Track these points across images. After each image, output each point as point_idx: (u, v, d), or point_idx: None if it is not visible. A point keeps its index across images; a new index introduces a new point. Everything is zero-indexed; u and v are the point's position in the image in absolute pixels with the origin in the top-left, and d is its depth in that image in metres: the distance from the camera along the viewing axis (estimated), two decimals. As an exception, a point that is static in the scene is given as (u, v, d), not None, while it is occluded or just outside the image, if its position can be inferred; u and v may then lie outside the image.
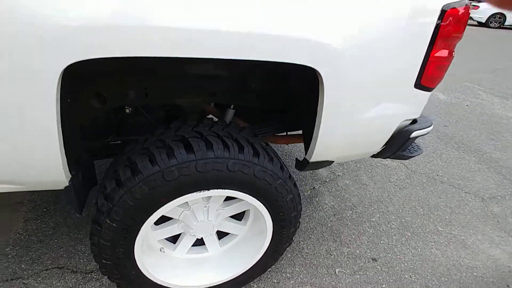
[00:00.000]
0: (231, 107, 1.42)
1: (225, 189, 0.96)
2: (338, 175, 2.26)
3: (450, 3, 1.00)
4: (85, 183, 1.03)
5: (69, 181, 0.90)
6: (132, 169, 0.88)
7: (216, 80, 1.18)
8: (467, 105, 4.04)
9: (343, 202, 1.97)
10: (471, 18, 14.83)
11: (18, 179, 0.86)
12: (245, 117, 1.55)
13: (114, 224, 0.90)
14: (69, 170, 0.88)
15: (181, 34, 0.71)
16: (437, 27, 1.00)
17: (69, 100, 0.83)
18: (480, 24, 14.73)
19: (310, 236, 1.67)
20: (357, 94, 0.99)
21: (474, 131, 3.26)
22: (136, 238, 0.95)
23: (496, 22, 14.33)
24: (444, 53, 1.07)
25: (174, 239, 1.21)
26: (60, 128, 0.78)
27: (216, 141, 0.92)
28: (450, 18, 1.00)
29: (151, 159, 0.87)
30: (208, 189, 0.94)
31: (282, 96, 1.32)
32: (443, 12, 0.99)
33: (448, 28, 1.01)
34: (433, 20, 0.99)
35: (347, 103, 0.99)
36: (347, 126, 1.05)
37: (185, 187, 0.90)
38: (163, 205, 0.92)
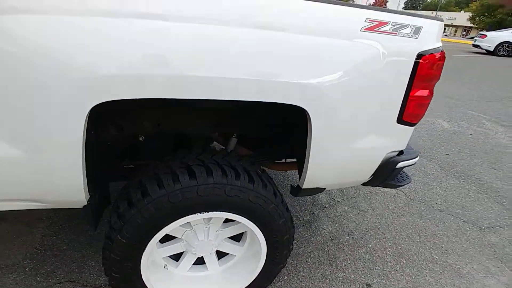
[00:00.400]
0: (234, 136, 1.56)
1: (222, 211, 1.08)
2: (338, 201, 2.34)
3: (427, 49, 1.14)
4: (100, 203, 1.17)
5: (88, 201, 1.04)
6: (142, 191, 1.01)
7: (221, 113, 1.33)
8: (470, 134, 4.10)
9: (340, 227, 2.05)
10: (479, 47, 15.04)
11: (45, 198, 1.00)
12: (247, 145, 1.68)
13: (124, 240, 1.02)
14: (88, 191, 1.02)
15: (199, 80, 0.87)
16: (414, 69, 1.14)
17: (92, 132, 0.98)
18: (488, 53, 14.88)
19: (307, 260, 1.74)
20: (342, 129, 1.11)
21: (476, 160, 3.31)
22: (142, 254, 1.07)
23: (504, 50, 14.47)
24: (422, 92, 1.19)
25: (177, 257, 1.32)
26: (84, 155, 0.93)
27: (215, 168, 1.05)
28: (426, 62, 1.13)
29: (158, 183, 1.01)
30: (208, 211, 1.06)
31: (279, 127, 1.46)
32: (419, 56, 1.12)
33: (425, 71, 1.14)
34: (410, 64, 1.13)
35: (333, 138, 1.11)
36: (334, 158, 1.16)
37: (188, 209, 1.03)
38: (167, 225, 1.04)
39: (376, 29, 1.03)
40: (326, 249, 1.83)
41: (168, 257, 1.30)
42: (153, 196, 0.99)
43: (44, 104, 0.82)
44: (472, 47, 16.08)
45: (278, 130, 1.49)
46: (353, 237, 1.96)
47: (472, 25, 42.05)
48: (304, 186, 1.24)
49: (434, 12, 54.98)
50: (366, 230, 2.05)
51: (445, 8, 65.89)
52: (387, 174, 1.34)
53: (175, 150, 1.52)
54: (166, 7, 0.83)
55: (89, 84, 0.81)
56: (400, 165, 1.32)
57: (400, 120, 1.21)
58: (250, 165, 1.18)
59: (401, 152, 1.36)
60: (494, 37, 14.65)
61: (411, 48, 1.10)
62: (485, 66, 11.15)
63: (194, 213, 1.04)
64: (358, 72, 1.04)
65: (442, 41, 1.21)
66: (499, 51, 14.46)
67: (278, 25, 0.92)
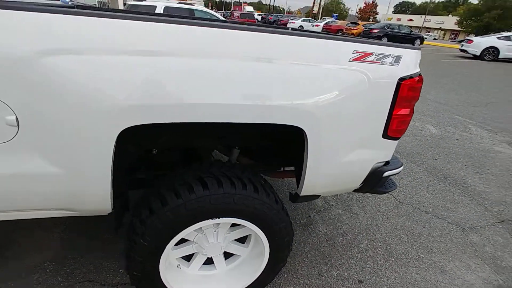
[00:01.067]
0: (237, 147, 1.72)
1: (231, 217, 1.23)
2: (332, 204, 2.51)
3: (407, 75, 1.31)
4: (121, 209, 1.31)
5: (112, 208, 1.18)
6: (161, 200, 1.16)
7: (226, 128, 1.48)
8: (456, 139, 4.32)
9: (335, 229, 2.21)
10: (466, 51, 15.49)
11: (77, 208, 1.14)
12: (248, 155, 1.84)
13: (146, 243, 1.16)
14: (112, 200, 1.16)
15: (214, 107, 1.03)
16: (396, 92, 1.31)
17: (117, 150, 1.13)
18: (475, 57, 15.33)
19: (304, 259, 1.90)
20: (335, 144, 1.28)
21: (461, 164, 3.52)
22: (161, 255, 1.21)
23: (490, 55, 14.93)
24: (404, 111, 1.37)
25: (188, 258, 1.46)
26: (112, 170, 1.07)
27: (225, 180, 1.20)
28: (407, 85, 1.31)
29: (176, 193, 1.16)
30: (218, 217, 1.21)
31: (277, 140, 1.62)
32: (400, 80, 1.30)
33: (405, 93, 1.32)
34: (392, 87, 1.30)
35: (327, 151, 1.28)
36: (328, 168, 1.33)
37: (201, 216, 1.18)
38: (183, 229, 1.19)
39: (362, 59, 1.20)
40: (321, 249, 1.99)
41: (181, 258, 1.45)
42: (171, 204, 1.14)
43: (83, 130, 0.97)
44: (460, 52, 16.55)
45: (277, 142, 1.65)
46: (346, 238, 2.13)
47: (460, 28, 42.98)
48: (302, 194, 1.40)
49: (423, 16, 56.06)
50: (358, 231, 2.22)
51: (433, 12, 67.19)
52: (375, 182, 1.51)
53: (184, 160, 1.68)
54: (173, 46, 0.99)
55: (121, 112, 0.97)
56: (386, 174, 1.49)
57: (386, 135, 1.38)
58: (254, 175, 1.34)
59: (387, 163, 1.53)
60: (480, 42, 15.13)
61: (393, 74, 1.28)
62: (472, 70, 11.52)
63: (207, 219, 1.19)
64: (348, 95, 1.21)
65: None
66: (485, 56, 14.93)
67: (272, 57, 1.09)
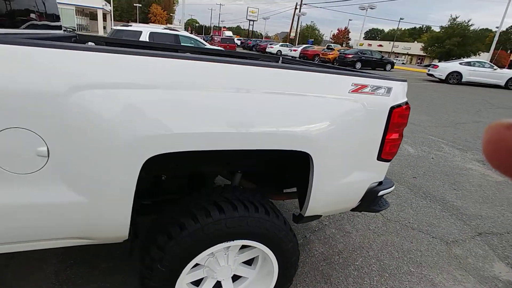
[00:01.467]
0: (239, 172, 1.80)
1: (245, 239, 1.29)
2: (325, 224, 2.60)
3: (397, 103, 1.48)
4: (134, 235, 1.34)
5: (128, 235, 1.21)
6: (180, 226, 1.21)
7: (235, 153, 1.57)
8: (432, 158, 4.62)
9: (330, 248, 2.30)
10: (433, 76, 16.66)
11: (95, 236, 1.17)
12: (250, 179, 1.92)
13: (163, 269, 1.20)
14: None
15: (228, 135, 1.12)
16: (388, 119, 1.46)
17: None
18: (441, 81, 16.50)
19: (305, 279, 1.96)
20: (336, 167, 1.40)
21: (438, 182, 3.76)
22: (177, 280, 1.24)
23: (454, 79, 16.14)
24: (395, 136, 1.52)
25: (196, 283, 1.48)
26: (134, 198, 1.12)
27: (239, 204, 1.27)
28: (397, 113, 1.47)
29: (193, 218, 1.21)
30: (233, 240, 1.27)
31: (281, 165, 1.72)
32: (392, 108, 1.46)
33: (396, 119, 1.48)
34: (385, 115, 1.45)
35: (330, 174, 1.39)
36: (331, 189, 1.44)
37: (217, 239, 1.23)
38: (200, 253, 1.23)
39: (359, 91, 1.35)
40: (320, 269, 2.06)
41: (190, 283, 1.47)
42: (189, 229, 1.19)
43: (110, 160, 1.02)
44: (427, 76, 17.78)
45: (279, 167, 1.75)
46: (342, 256, 2.21)
47: (425, 54, 46.27)
48: (306, 214, 1.49)
49: (392, 42, 59.97)
50: (353, 249, 2.31)
51: (400, 39, 72.15)
52: (371, 201, 1.63)
53: (189, 186, 1.73)
54: (200, 80, 1.09)
55: (147, 142, 1.03)
56: (380, 193, 1.62)
57: (380, 157, 1.52)
58: (263, 198, 1.42)
59: (380, 183, 1.66)
60: (445, 67, 16.39)
61: (385, 103, 1.43)
62: (439, 93, 12.37)
63: (222, 242, 1.25)
64: (348, 123, 1.35)
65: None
66: (450, 80, 16.13)
67: (288, 91, 1.21)
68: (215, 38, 24.49)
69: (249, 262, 1.56)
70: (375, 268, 2.14)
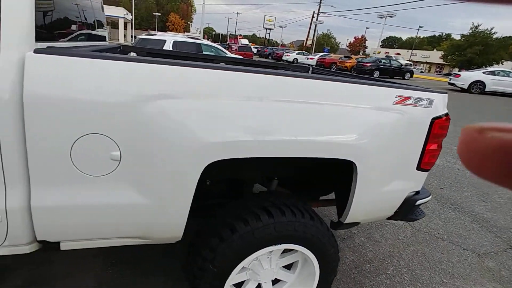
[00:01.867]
0: (275, 178, 1.86)
1: (290, 243, 1.35)
2: (354, 232, 2.62)
3: (438, 115, 1.51)
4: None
5: (182, 236, 1.29)
6: (231, 229, 1.28)
7: (279, 160, 1.64)
8: (458, 169, 4.54)
9: (361, 256, 2.31)
10: (455, 85, 16.31)
11: (152, 236, 1.25)
12: (285, 185, 1.98)
13: (215, 269, 1.26)
14: (183, 228, 1.27)
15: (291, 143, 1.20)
16: (429, 130, 1.50)
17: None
18: (463, 90, 16.12)
19: (338, 286, 1.98)
20: (378, 175, 1.44)
21: (466, 193, 3.70)
22: (226, 281, 1.31)
23: (477, 88, 15.74)
24: (435, 146, 1.55)
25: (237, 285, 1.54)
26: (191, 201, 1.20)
27: (286, 209, 1.33)
28: (438, 124, 1.50)
29: (244, 222, 1.28)
30: (281, 243, 1.33)
31: (319, 172, 1.77)
32: (433, 120, 1.49)
33: (437, 130, 1.51)
34: (426, 126, 1.49)
35: (372, 182, 1.43)
36: (371, 197, 1.48)
37: (266, 242, 1.29)
38: (249, 255, 1.30)
39: (403, 102, 1.40)
40: (352, 276, 2.08)
41: (232, 285, 1.53)
42: (240, 232, 1.26)
43: (175, 165, 1.11)
44: (448, 85, 17.43)
45: (316, 175, 1.80)
46: (373, 265, 2.23)
47: (444, 62, 45.33)
48: (346, 221, 1.53)
49: (410, 51, 59.12)
50: (383, 258, 2.32)
51: (419, 47, 71.05)
52: (408, 210, 1.66)
53: (229, 191, 1.81)
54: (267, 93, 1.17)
55: (208, 149, 1.12)
56: (418, 202, 1.65)
57: (419, 167, 1.55)
58: (305, 204, 1.48)
59: (418, 192, 1.69)
60: (467, 77, 16.03)
61: (427, 114, 1.47)
62: (462, 103, 12.11)
63: (271, 245, 1.31)
64: (392, 133, 1.40)
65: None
66: (472, 89, 15.75)
67: (342, 103, 1.28)
68: (232, 46, 24.90)
69: (287, 267, 1.61)
70: (407, 277, 2.14)
